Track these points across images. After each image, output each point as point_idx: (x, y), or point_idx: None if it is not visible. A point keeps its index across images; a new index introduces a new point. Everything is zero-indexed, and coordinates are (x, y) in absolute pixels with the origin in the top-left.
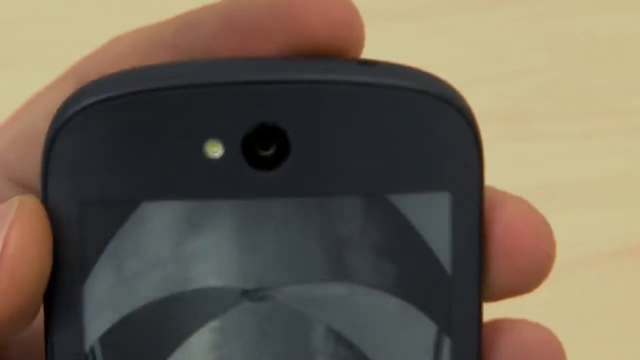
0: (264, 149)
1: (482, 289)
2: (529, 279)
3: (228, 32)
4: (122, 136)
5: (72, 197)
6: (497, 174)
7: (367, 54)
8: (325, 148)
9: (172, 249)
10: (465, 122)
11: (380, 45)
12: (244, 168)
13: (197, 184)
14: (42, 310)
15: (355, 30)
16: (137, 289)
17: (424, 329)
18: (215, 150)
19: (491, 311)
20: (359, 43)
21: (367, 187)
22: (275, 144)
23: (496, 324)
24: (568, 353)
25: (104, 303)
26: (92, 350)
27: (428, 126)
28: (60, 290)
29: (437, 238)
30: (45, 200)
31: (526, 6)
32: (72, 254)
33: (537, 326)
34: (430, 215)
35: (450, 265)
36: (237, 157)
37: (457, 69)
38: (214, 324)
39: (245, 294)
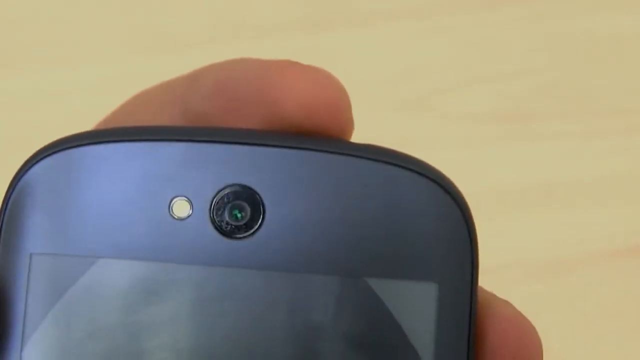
0: (234, 214)
1: None
2: None
3: (217, 97)
4: (82, 188)
5: (23, 249)
6: (497, 174)
7: (368, 53)
8: (302, 220)
9: (125, 316)
10: (459, 211)
11: (381, 45)
12: (211, 233)
13: (160, 245)
14: None
15: (337, 115)
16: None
17: None
18: (182, 210)
19: None
20: (344, 126)
21: (344, 267)
22: (247, 210)
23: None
24: (568, 352)
25: None
26: None
27: (418, 210)
28: None
29: (419, 332)
30: None
31: (526, 6)
32: (15, 314)
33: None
34: (413, 307)
35: None
36: (204, 220)
37: (457, 69)
38: None
39: None
